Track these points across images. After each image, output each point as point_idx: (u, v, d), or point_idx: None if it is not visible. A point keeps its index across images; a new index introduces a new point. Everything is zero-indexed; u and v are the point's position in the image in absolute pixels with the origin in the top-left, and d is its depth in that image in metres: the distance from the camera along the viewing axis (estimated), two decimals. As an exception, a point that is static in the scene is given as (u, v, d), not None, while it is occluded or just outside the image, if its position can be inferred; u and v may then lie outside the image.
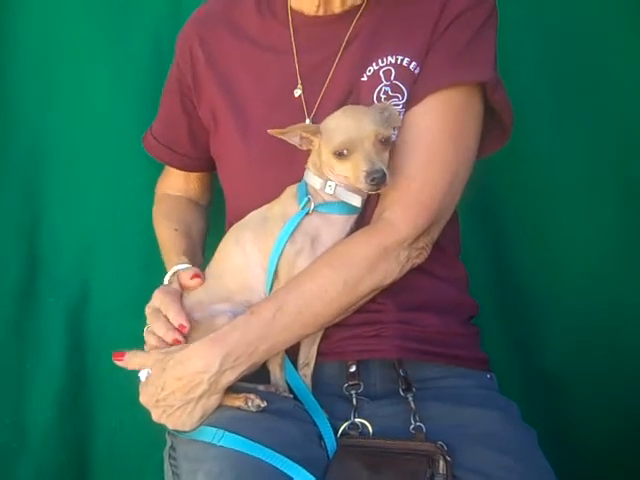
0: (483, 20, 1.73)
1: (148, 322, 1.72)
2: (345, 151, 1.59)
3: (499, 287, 2.29)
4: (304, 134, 1.64)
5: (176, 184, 2.08)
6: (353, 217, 1.69)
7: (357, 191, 1.65)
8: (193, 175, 2.06)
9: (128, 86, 2.24)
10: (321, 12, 1.80)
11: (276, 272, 1.66)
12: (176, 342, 1.65)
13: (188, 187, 2.08)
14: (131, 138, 2.18)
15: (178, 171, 2.06)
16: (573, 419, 2.24)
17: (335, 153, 1.60)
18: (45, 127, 2.23)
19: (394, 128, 1.66)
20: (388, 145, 1.61)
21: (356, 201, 1.66)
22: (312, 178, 1.67)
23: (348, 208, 1.67)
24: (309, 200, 1.66)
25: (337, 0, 1.78)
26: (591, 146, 2.25)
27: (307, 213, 1.65)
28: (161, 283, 1.80)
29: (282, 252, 1.65)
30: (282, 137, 1.64)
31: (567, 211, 2.27)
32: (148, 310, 1.73)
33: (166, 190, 2.09)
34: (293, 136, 1.64)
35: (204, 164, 1.99)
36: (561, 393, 2.25)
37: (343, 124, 1.61)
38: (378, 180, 1.56)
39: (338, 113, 1.64)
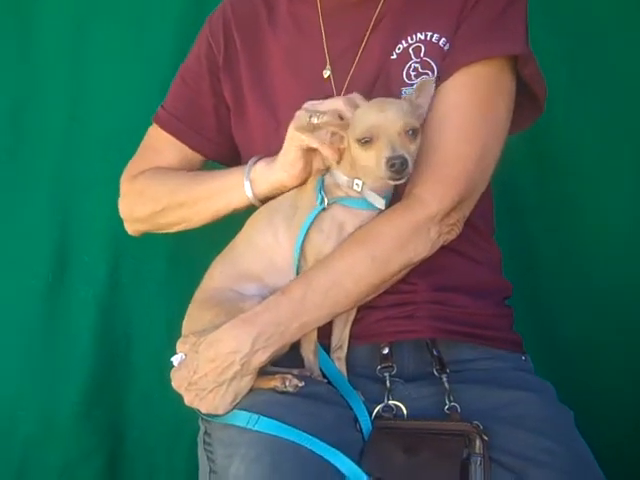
0: None
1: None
2: (369, 138, 1.56)
3: (527, 268, 2.28)
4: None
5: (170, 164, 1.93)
6: (377, 212, 1.65)
7: (382, 190, 1.63)
8: (196, 161, 1.94)
9: (153, 79, 2.23)
10: None
11: (303, 260, 1.64)
12: None
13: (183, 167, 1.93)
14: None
15: (175, 153, 1.93)
16: (606, 399, 2.22)
17: (360, 141, 1.56)
18: (76, 116, 2.25)
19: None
20: (415, 137, 1.57)
21: (379, 203, 1.63)
22: (336, 174, 1.65)
23: (373, 205, 1.64)
24: (323, 198, 1.63)
25: None
26: (618, 124, 2.25)
27: (323, 209, 1.63)
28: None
29: (303, 243, 1.63)
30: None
31: (595, 191, 2.27)
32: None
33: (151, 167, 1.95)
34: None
35: (220, 150, 1.92)
36: (593, 373, 2.24)
37: (369, 113, 1.58)
38: (398, 167, 1.52)
39: (366, 104, 1.61)
